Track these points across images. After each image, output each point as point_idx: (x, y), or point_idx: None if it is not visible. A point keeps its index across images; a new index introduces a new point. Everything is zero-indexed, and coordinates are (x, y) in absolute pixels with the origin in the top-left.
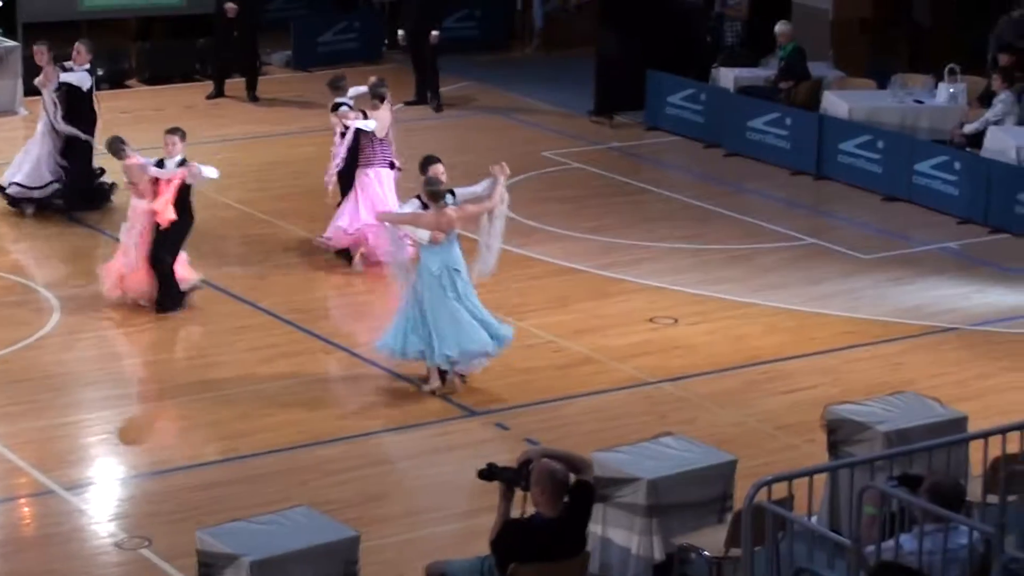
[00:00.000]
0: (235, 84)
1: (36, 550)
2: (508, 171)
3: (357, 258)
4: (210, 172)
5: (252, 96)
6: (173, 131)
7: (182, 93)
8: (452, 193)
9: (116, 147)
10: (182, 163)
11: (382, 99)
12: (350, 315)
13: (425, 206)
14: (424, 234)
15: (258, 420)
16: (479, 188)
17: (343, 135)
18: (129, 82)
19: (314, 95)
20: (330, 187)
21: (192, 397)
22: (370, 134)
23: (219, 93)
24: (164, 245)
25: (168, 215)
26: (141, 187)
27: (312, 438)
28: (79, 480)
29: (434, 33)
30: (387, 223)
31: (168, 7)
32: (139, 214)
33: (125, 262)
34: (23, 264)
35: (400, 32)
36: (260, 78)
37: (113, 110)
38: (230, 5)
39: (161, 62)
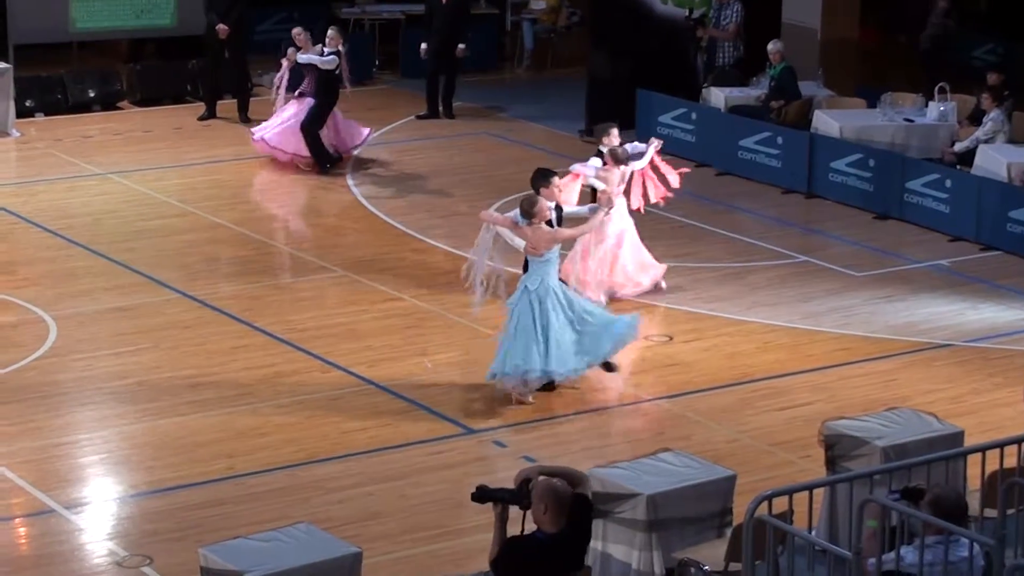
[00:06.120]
0: (227, 105)
1: (36, 570)
2: (615, 203)
3: None
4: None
5: (244, 117)
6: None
7: (174, 114)
8: (559, 209)
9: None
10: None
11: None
12: (345, 334)
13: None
14: (519, 242)
15: (256, 439)
16: (584, 210)
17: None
18: (121, 103)
19: None
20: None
21: (190, 416)
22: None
23: (211, 114)
24: None
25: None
26: (612, 192)
27: (311, 456)
28: (78, 499)
29: (461, 46)
30: (488, 223)
31: (159, 28)
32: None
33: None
34: (18, 284)
35: (423, 46)
36: (251, 99)
37: (105, 132)
38: (221, 26)
39: (152, 83)
